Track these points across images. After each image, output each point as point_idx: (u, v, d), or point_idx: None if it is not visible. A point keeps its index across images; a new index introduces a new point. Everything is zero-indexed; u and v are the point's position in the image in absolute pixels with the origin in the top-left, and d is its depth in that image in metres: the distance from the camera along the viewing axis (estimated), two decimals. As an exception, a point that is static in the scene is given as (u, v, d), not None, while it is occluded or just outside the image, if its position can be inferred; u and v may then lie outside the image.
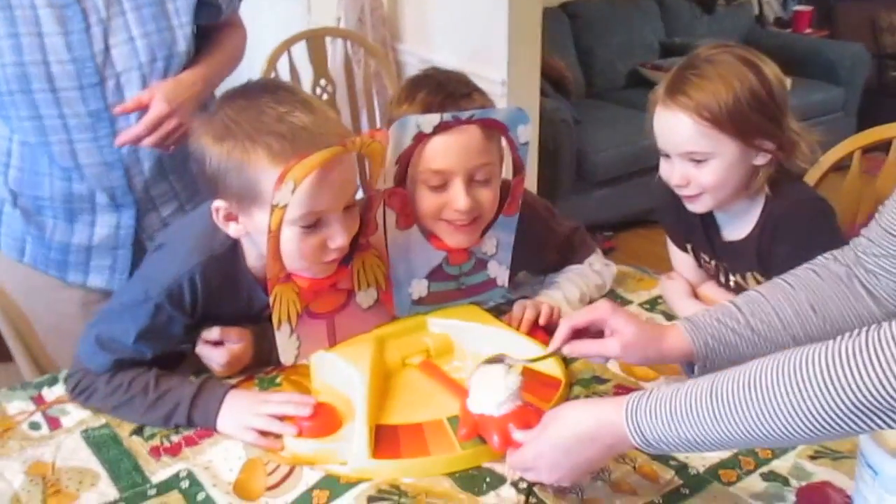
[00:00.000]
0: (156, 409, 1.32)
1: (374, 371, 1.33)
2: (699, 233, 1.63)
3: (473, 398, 1.20)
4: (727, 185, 1.48)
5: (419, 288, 1.48)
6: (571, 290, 1.64)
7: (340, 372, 1.35)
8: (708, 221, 1.61)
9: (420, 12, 3.57)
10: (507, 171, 1.53)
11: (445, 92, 1.44)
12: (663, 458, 1.23)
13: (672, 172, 1.52)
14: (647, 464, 1.22)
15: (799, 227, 1.48)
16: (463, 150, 1.40)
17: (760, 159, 1.47)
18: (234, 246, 1.37)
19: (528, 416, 1.17)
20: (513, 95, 3.16)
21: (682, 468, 1.21)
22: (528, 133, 1.44)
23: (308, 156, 1.18)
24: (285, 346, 1.34)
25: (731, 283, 1.62)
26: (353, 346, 1.40)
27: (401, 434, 1.26)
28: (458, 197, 1.41)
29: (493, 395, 1.17)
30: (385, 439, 1.24)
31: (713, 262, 1.63)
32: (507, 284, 1.58)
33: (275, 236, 1.23)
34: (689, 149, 1.47)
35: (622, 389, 1.39)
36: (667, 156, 1.53)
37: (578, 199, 4.11)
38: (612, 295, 1.73)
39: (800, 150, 1.48)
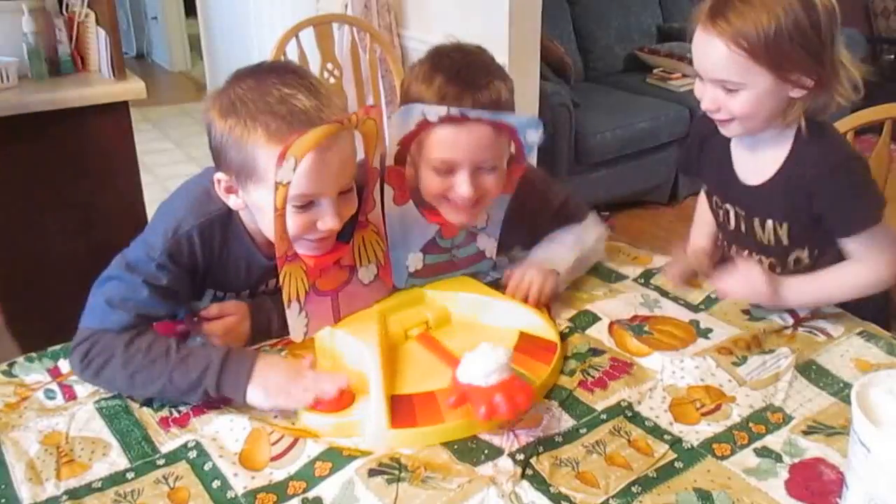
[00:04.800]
0: (181, 372, 1.24)
1: (382, 344, 1.32)
2: (715, 172, 1.59)
3: (463, 368, 1.20)
4: (758, 115, 1.42)
5: (415, 261, 1.48)
6: (565, 255, 1.61)
7: (350, 347, 1.34)
8: (724, 163, 1.56)
9: (424, -1, 3.55)
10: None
11: (464, 82, 1.39)
12: (657, 432, 1.21)
13: (703, 95, 1.45)
14: (642, 437, 1.20)
15: (843, 188, 1.43)
16: (472, 145, 1.38)
17: (797, 92, 1.40)
18: (231, 210, 1.36)
19: (514, 387, 1.18)
20: (513, 79, 3.13)
21: (675, 442, 1.19)
22: (537, 136, 1.42)
23: (306, 132, 1.19)
24: (295, 323, 1.33)
25: (742, 229, 1.58)
26: (358, 321, 1.39)
27: (415, 403, 1.25)
28: (461, 185, 1.41)
29: (481, 365, 1.18)
30: (401, 409, 1.23)
31: (725, 206, 1.59)
32: (494, 256, 1.57)
33: (281, 214, 1.23)
34: (721, 77, 1.39)
35: (617, 362, 1.37)
36: (701, 77, 1.45)
37: (576, 181, 4.08)
38: (607, 271, 1.71)
39: (840, 87, 1.40)
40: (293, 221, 1.26)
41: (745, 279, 1.45)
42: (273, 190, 1.20)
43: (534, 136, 1.42)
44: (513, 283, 1.52)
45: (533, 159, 3.38)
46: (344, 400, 1.24)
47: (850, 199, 1.44)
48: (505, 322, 1.45)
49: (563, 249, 1.62)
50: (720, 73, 1.39)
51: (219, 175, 1.30)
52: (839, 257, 1.53)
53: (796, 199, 1.47)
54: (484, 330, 1.44)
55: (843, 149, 1.51)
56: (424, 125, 1.35)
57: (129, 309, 1.30)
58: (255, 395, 1.24)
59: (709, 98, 1.44)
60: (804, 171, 1.45)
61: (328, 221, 1.28)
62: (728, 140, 1.55)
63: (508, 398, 1.16)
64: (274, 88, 1.23)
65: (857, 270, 1.48)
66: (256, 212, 1.30)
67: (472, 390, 1.17)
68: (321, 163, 1.22)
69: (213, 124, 1.27)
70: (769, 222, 1.53)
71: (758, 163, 1.51)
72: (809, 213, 1.47)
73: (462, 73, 1.40)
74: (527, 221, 1.64)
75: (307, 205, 1.25)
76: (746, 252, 1.61)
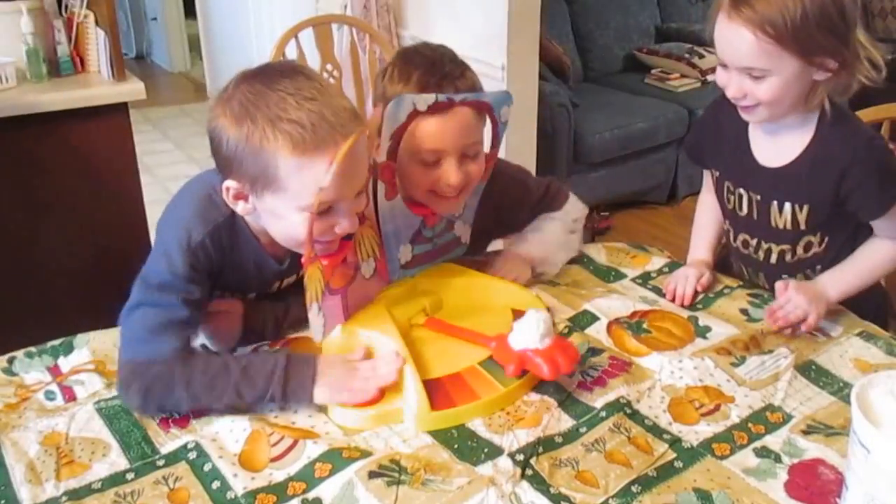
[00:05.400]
0: (247, 385, 1.24)
1: (401, 333, 1.35)
2: (731, 156, 1.60)
3: (515, 338, 1.29)
4: (784, 100, 1.42)
5: (405, 253, 1.50)
6: (544, 246, 1.69)
7: (370, 341, 1.35)
8: (741, 147, 1.57)
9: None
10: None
11: (441, 73, 1.44)
12: (657, 431, 1.21)
13: (728, 83, 1.45)
14: (641, 435, 1.20)
15: (872, 169, 1.45)
16: (456, 131, 1.41)
17: (821, 75, 1.41)
18: (234, 214, 1.34)
19: (566, 345, 1.31)
20: (512, 80, 3.13)
21: (675, 441, 1.19)
22: (508, 113, 1.48)
23: (334, 148, 1.18)
24: (315, 324, 1.33)
25: (755, 215, 1.58)
26: (369, 317, 1.41)
27: (447, 385, 1.28)
28: (450, 173, 1.43)
29: (535, 332, 1.27)
30: (435, 392, 1.25)
31: (739, 191, 1.60)
32: (468, 241, 1.62)
33: (314, 218, 1.22)
34: (748, 64, 1.39)
35: (616, 360, 1.38)
36: (724, 65, 1.45)
37: (575, 181, 4.07)
38: (605, 269, 1.72)
39: (862, 67, 1.41)
40: (313, 229, 1.24)
41: (793, 306, 1.45)
42: (298, 196, 1.21)
43: (506, 114, 1.48)
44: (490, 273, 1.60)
45: (532, 159, 3.38)
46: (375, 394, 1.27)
47: (878, 180, 1.46)
48: (495, 301, 1.50)
49: (540, 241, 1.69)
50: (747, 60, 1.39)
51: (228, 182, 1.26)
52: (847, 241, 1.56)
53: (821, 181, 1.48)
54: (478, 310, 1.47)
55: (867, 130, 1.53)
56: (415, 115, 1.36)
57: (173, 332, 1.27)
58: (321, 396, 1.26)
59: (734, 86, 1.44)
60: (831, 152, 1.46)
61: (345, 225, 1.27)
62: (745, 124, 1.55)
63: (565, 355, 1.27)
64: (288, 95, 1.20)
65: (887, 248, 1.51)
66: (270, 218, 1.28)
67: (531, 354, 1.27)
68: (344, 169, 1.21)
69: (223, 132, 1.22)
70: (787, 205, 1.53)
71: (779, 145, 1.52)
72: (834, 194, 1.48)
73: (437, 65, 1.45)
74: (510, 211, 1.69)
75: (326, 210, 1.24)
76: (756, 240, 1.62)
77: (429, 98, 1.36)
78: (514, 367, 1.28)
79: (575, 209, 1.76)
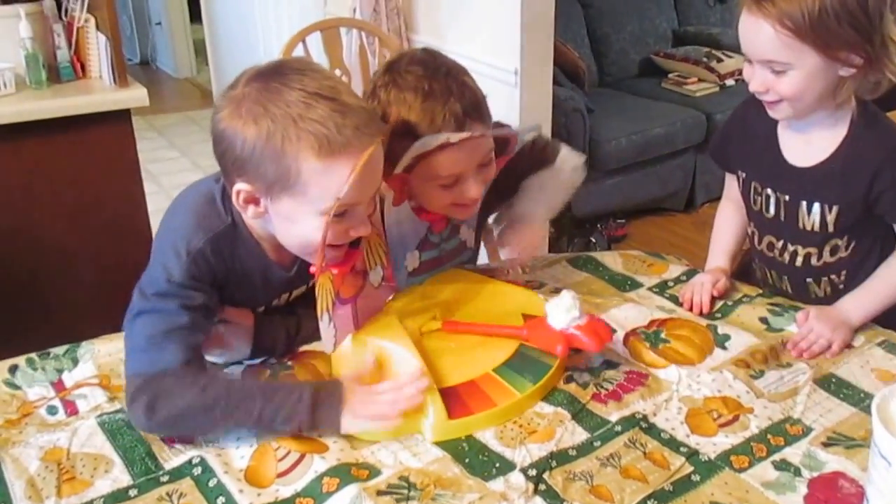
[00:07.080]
0: (272, 412, 1.21)
1: (414, 342, 1.35)
2: (759, 156, 1.60)
3: (554, 319, 1.36)
4: (807, 95, 1.44)
5: (412, 260, 1.52)
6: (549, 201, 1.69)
7: (383, 351, 1.35)
8: (770, 146, 1.58)
9: (434, 2, 3.54)
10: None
11: (440, 95, 1.38)
12: (674, 444, 1.21)
13: (752, 77, 1.47)
14: (658, 450, 1.20)
15: None
16: (475, 154, 1.42)
17: (846, 71, 1.42)
18: (235, 222, 1.33)
19: (600, 321, 1.40)
20: (526, 84, 3.13)
21: (692, 454, 1.19)
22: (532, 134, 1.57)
23: (358, 151, 1.18)
24: (326, 334, 1.33)
25: (783, 216, 1.59)
26: (380, 326, 1.41)
27: (462, 393, 1.28)
28: (470, 188, 1.44)
29: (574, 309, 1.35)
30: (451, 401, 1.26)
31: (766, 191, 1.60)
32: (474, 245, 1.63)
33: (329, 223, 1.22)
34: (769, 58, 1.42)
35: (632, 374, 1.38)
36: (749, 60, 1.47)
37: (591, 188, 4.07)
38: (621, 278, 1.72)
39: (892, 64, 1.41)
40: (330, 234, 1.23)
41: (815, 336, 1.45)
42: (318, 199, 1.20)
43: (530, 135, 1.51)
44: (508, 239, 1.61)
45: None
46: None
47: None
48: (505, 306, 1.50)
49: (540, 203, 1.68)
50: (767, 54, 1.42)
51: (240, 185, 1.23)
52: (874, 248, 1.56)
53: (853, 181, 1.49)
54: (489, 315, 1.47)
55: None
56: (447, 145, 1.36)
57: (177, 340, 1.24)
58: (348, 425, 1.23)
59: (757, 80, 1.46)
60: (864, 152, 1.48)
61: (361, 228, 1.27)
62: (774, 123, 1.57)
63: (602, 327, 1.37)
64: (308, 93, 1.17)
65: None
66: (283, 222, 1.26)
67: (575, 331, 1.34)
68: (363, 172, 1.20)
69: (237, 132, 1.19)
70: (816, 206, 1.54)
71: (810, 145, 1.53)
72: (865, 195, 1.49)
73: (433, 85, 1.38)
74: (502, 174, 1.64)
75: (343, 213, 1.23)
76: (782, 242, 1.62)
77: (463, 134, 1.36)
78: (562, 346, 1.34)
79: (570, 158, 1.74)
